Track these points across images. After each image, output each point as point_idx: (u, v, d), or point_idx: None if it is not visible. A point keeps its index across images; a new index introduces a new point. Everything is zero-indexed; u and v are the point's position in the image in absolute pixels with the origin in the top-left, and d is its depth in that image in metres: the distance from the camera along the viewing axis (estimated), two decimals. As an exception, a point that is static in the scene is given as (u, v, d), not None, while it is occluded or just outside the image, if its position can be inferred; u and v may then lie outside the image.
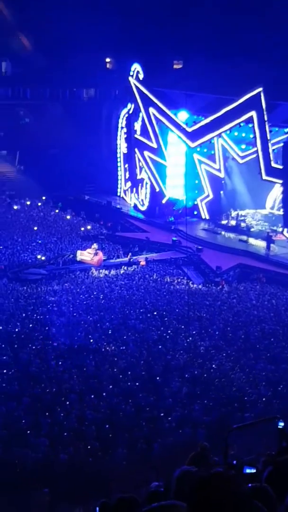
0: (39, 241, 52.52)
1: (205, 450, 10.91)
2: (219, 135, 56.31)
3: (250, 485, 5.19)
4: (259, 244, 53.18)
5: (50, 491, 19.15)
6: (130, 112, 65.85)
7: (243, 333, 34.23)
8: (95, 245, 48.91)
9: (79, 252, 48.59)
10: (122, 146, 67.88)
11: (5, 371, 28.28)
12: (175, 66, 72.85)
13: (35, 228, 56.74)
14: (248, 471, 7.19)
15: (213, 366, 29.66)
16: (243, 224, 56.88)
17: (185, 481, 4.89)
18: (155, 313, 37.09)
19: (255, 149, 53.59)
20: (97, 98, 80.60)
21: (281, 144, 53.04)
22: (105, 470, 21.15)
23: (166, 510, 3.63)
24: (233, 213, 58.82)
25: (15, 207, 63.68)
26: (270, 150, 52.12)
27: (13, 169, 74.97)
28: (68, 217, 61.92)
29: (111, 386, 27.12)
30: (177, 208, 60.53)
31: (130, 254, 50.96)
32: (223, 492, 3.06)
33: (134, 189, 66.12)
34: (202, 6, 65.02)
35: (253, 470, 7.23)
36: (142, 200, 64.60)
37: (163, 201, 61.72)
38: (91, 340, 32.39)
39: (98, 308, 37.69)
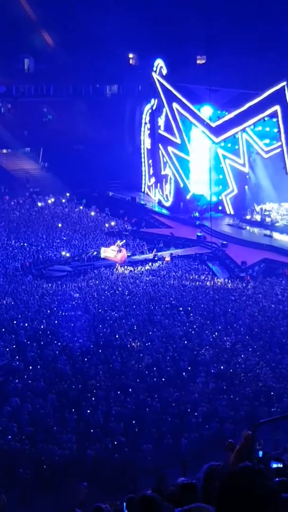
0: (64, 238, 52.64)
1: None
2: (243, 130, 56.06)
3: (277, 479, 5.15)
4: (284, 238, 52.90)
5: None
6: (154, 107, 65.76)
7: (269, 328, 34.11)
8: (119, 242, 48.91)
9: (103, 249, 48.64)
10: (146, 142, 67.82)
11: (31, 367, 28.40)
12: (198, 61, 72.68)
13: (60, 225, 56.87)
14: (274, 465, 7.14)
15: (239, 361, 29.59)
16: (267, 219, 56.59)
17: (213, 476, 4.85)
18: (180, 308, 37.05)
19: (279, 143, 53.29)
20: (121, 94, 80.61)
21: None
22: (132, 465, 21.18)
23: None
24: (258, 208, 58.55)
25: (39, 204, 63.86)
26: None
27: (37, 166, 75.17)
28: (93, 213, 62.01)
29: (137, 382, 27.15)
30: (202, 204, 60.37)
31: (155, 250, 50.93)
32: (252, 486, 3.03)
33: (158, 184, 66.03)
34: (225, 1, 64.89)
35: (280, 465, 7.19)
36: (166, 196, 64.51)
37: (188, 197, 61.60)
38: (117, 336, 32.42)
39: (123, 304, 37.71)
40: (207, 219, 54.19)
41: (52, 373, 28.03)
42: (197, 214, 59.64)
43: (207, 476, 4.93)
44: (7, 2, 77.01)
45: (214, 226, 52.13)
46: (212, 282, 42.38)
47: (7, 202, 64.20)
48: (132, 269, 46.80)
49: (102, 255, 48.16)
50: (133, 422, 23.95)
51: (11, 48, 73.78)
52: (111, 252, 47.75)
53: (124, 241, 49.31)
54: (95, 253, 48.64)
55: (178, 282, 43.23)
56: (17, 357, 29.65)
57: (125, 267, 47.05)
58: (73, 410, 24.66)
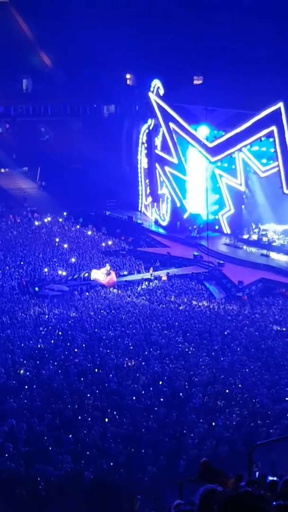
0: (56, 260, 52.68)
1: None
2: (240, 150, 56.23)
3: (274, 503, 5.10)
4: (281, 258, 52.93)
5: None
6: (151, 127, 65.98)
7: (266, 348, 34.02)
8: (107, 266, 48.70)
9: (93, 271, 48.47)
10: (142, 162, 67.98)
11: (26, 387, 28.25)
12: (195, 82, 73.04)
13: (57, 239, 57.04)
14: (270, 478, 7.12)
15: (236, 381, 29.47)
16: (264, 239, 56.60)
17: (210, 499, 4.80)
18: (177, 327, 36.97)
19: (276, 163, 53.45)
20: (118, 114, 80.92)
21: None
22: (128, 486, 21.01)
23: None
24: (255, 228, 58.58)
25: (37, 223, 63.89)
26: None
27: (34, 185, 75.33)
28: (89, 232, 62.02)
29: (133, 402, 27.01)
30: (198, 224, 60.40)
31: (151, 269, 50.91)
32: (252, 511, 2.99)
33: (155, 204, 66.15)
34: (221, 21, 65.23)
35: (275, 478, 7.16)
36: (163, 215, 64.61)
37: (185, 216, 61.66)
38: (113, 356, 32.31)
39: (120, 324, 37.62)
40: (204, 238, 54.27)
41: (48, 392, 27.89)
42: (196, 233, 59.62)
43: (203, 499, 4.88)
44: (5, 23, 77.48)
45: (210, 246, 52.19)
46: (208, 302, 42.34)
47: (5, 221, 64.17)
48: (129, 287, 46.82)
49: (92, 277, 48.02)
50: (130, 442, 23.79)
51: (9, 68, 74.09)
52: (101, 275, 47.64)
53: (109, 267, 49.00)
54: (86, 274, 48.54)
55: (175, 301, 43.19)
56: (12, 376, 29.52)
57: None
58: (68, 430, 24.51)
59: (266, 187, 57.26)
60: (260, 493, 3.33)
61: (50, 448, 23.18)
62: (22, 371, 30.17)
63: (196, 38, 65.43)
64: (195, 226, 60.47)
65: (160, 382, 29.17)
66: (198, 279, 49.79)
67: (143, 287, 47.34)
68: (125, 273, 50.37)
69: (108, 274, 47.48)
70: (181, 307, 41.59)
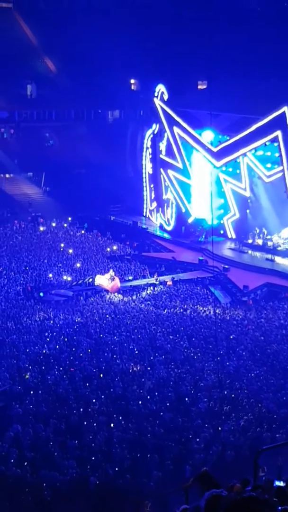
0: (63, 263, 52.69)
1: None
2: (244, 154, 56.21)
3: (280, 508, 5.06)
4: (286, 262, 52.85)
5: None
6: (155, 132, 66.00)
7: (272, 353, 33.95)
8: (111, 272, 48.61)
9: (97, 276, 48.42)
10: (147, 166, 68.01)
11: (32, 392, 28.24)
12: (199, 87, 73.09)
13: (62, 244, 57.10)
14: (277, 483, 7.07)
15: (242, 386, 29.42)
16: (269, 243, 56.52)
17: (215, 504, 4.78)
18: (182, 332, 36.93)
19: (281, 168, 53.41)
20: (122, 119, 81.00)
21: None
22: (134, 491, 20.97)
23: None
24: (259, 232, 58.47)
25: (41, 228, 63.94)
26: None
27: (39, 191, 75.43)
28: (90, 236, 61.98)
29: (139, 407, 26.98)
30: (202, 229, 60.39)
31: (156, 274, 50.88)
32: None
33: (160, 209, 66.14)
34: (225, 26, 65.30)
35: (282, 483, 7.11)
36: (168, 220, 64.59)
37: (189, 221, 61.64)
38: (118, 361, 32.29)
39: (125, 329, 37.59)
40: (209, 243, 54.19)
41: (53, 398, 27.89)
42: (203, 238, 59.53)
43: (208, 504, 4.85)
44: (9, 29, 77.68)
45: (215, 250, 52.17)
46: (214, 307, 42.27)
47: (10, 227, 64.21)
48: (134, 293, 46.81)
49: (96, 282, 47.99)
50: (135, 447, 23.75)
51: (13, 74, 74.28)
52: (105, 281, 47.59)
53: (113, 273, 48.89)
54: (90, 280, 48.51)
55: (180, 306, 43.13)
56: (18, 382, 29.52)
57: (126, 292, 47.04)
58: (74, 435, 24.49)
59: (271, 192, 57.18)
60: (264, 497, 3.31)
61: (55, 454, 23.16)
62: (28, 376, 30.17)
63: (200, 43, 65.42)
64: (199, 229, 60.41)
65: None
66: (203, 284, 49.72)
67: (148, 292, 47.29)
68: (130, 278, 50.33)
69: (112, 279, 47.43)
70: (186, 312, 41.53)
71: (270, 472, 15.66)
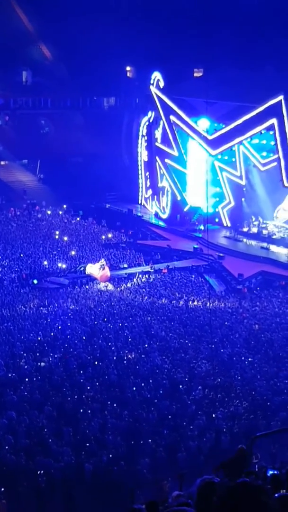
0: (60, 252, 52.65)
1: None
2: (240, 143, 56.15)
3: (276, 494, 5.10)
4: (281, 251, 52.87)
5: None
6: (151, 120, 65.88)
7: (266, 341, 34.04)
8: (102, 261, 48.49)
9: (89, 265, 48.32)
10: (143, 154, 67.92)
11: (27, 379, 28.28)
12: (195, 74, 72.79)
13: (57, 232, 57.05)
14: (270, 472, 7.11)
15: (236, 373, 29.51)
16: (264, 231, 56.51)
17: (208, 490, 4.80)
18: (176, 320, 36.99)
19: (276, 156, 53.39)
20: (118, 107, 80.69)
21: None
22: (129, 478, 21.05)
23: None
24: (255, 221, 58.47)
25: (39, 216, 63.87)
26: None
27: (34, 178, 75.27)
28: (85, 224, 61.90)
29: (133, 394, 27.05)
30: (197, 217, 60.37)
31: (151, 262, 50.89)
32: (251, 502, 2.98)
33: (155, 197, 66.08)
34: (222, 14, 65.00)
35: (276, 472, 7.15)
36: (163, 208, 64.56)
37: (185, 209, 61.61)
38: (113, 349, 32.33)
39: (120, 316, 37.63)
40: (204, 231, 54.17)
41: (48, 385, 27.93)
42: (202, 226, 59.46)
43: (201, 490, 4.88)
44: (4, 15, 77.22)
45: (210, 239, 52.13)
46: (208, 295, 42.31)
47: (5, 214, 64.11)
48: (128, 281, 46.84)
49: (87, 271, 47.91)
50: (130, 434, 23.83)
51: (9, 60, 73.84)
52: (95, 269, 47.51)
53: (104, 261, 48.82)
54: (82, 268, 48.42)
55: (175, 294, 43.17)
56: (12, 369, 29.55)
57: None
58: (68, 422, 24.55)
59: (266, 180, 57.16)
60: (258, 483, 3.34)
61: (50, 441, 23.22)
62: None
63: (196, 31, 65.22)
64: (196, 217, 60.38)
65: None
66: (198, 272, 49.77)
67: (143, 280, 47.31)
68: (125, 266, 50.31)
69: (102, 268, 47.27)
70: (181, 300, 41.58)
71: (263, 459, 15.78)
